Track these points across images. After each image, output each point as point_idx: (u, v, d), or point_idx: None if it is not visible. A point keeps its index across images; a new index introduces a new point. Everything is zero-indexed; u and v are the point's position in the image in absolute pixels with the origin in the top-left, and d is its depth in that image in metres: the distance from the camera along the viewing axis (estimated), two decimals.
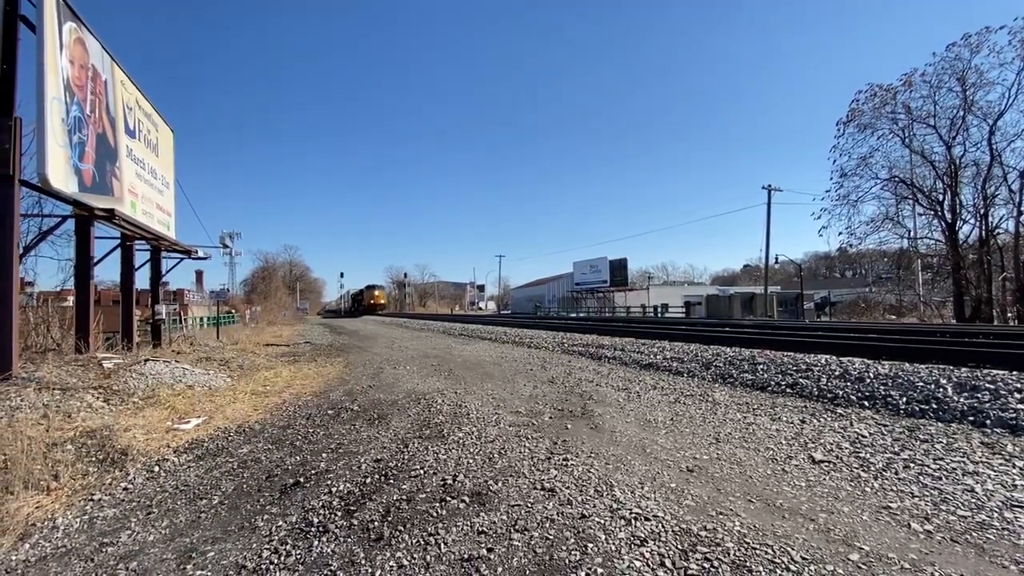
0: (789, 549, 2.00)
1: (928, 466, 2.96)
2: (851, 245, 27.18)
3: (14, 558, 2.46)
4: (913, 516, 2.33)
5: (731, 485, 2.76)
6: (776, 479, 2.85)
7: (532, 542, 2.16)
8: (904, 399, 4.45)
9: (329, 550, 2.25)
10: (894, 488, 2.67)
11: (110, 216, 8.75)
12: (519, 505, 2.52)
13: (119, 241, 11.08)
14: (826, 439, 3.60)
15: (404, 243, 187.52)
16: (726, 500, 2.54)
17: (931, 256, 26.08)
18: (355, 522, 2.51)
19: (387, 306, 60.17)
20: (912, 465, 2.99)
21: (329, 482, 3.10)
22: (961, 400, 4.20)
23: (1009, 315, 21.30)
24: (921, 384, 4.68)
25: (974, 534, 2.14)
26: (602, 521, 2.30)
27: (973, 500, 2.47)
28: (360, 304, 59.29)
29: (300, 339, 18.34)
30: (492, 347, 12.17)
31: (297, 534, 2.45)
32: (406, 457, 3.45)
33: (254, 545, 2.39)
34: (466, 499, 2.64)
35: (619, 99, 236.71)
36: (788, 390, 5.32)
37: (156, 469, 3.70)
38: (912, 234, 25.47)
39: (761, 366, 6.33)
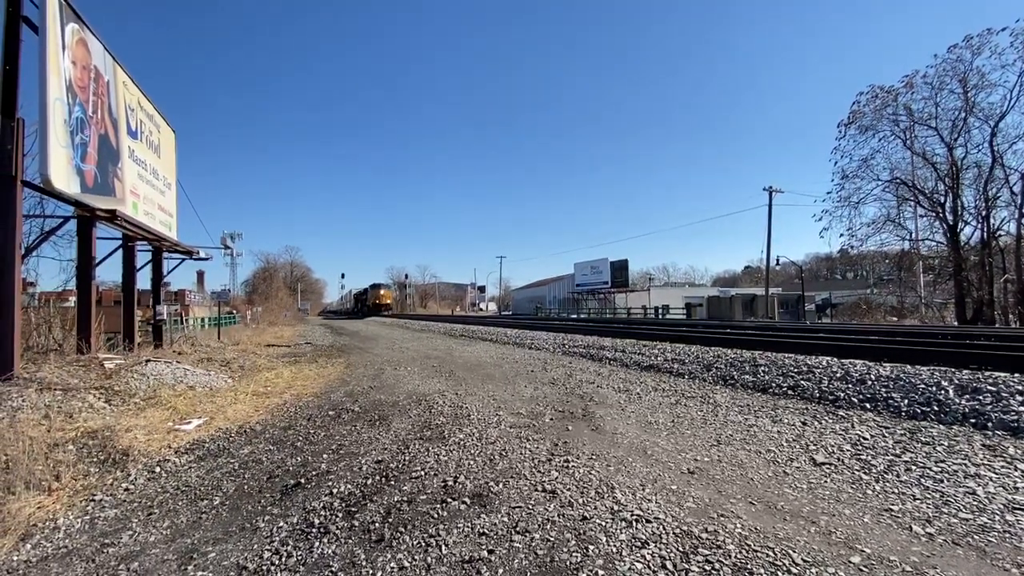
0: (790, 552, 2.00)
1: (930, 468, 2.95)
2: (852, 247, 27.18)
3: (15, 558, 2.46)
4: (915, 519, 2.32)
5: (732, 487, 2.76)
6: (777, 481, 2.85)
7: (533, 544, 2.16)
8: (905, 401, 4.44)
9: (330, 551, 2.25)
10: (896, 491, 2.67)
11: (112, 217, 8.77)
12: (520, 507, 2.52)
13: (121, 242, 11.10)
14: (827, 441, 3.59)
15: (405, 244, 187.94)
16: (727, 502, 2.54)
17: (933, 258, 26.04)
18: (356, 523, 2.51)
19: (393, 306, 57.25)
20: (914, 467, 2.98)
21: (330, 483, 3.11)
22: (963, 402, 4.19)
23: (1011, 317, 21.26)
24: (923, 386, 4.67)
25: (976, 537, 2.13)
26: (603, 523, 2.29)
27: (975, 503, 2.47)
28: (364, 304, 56.35)
29: (301, 340, 18.36)
30: (493, 348, 12.17)
31: (298, 535, 2.45)
32: (407, 458, 3.45)
33: (255, 546, 2.39)
34: (467, 501, 2.64)
35: (620, 100, 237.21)
36: (789, 392, 5.32)
37: (157, 470, 3.71)
38: (913, 236, 25.47)
39: (762, 368, 6.32)
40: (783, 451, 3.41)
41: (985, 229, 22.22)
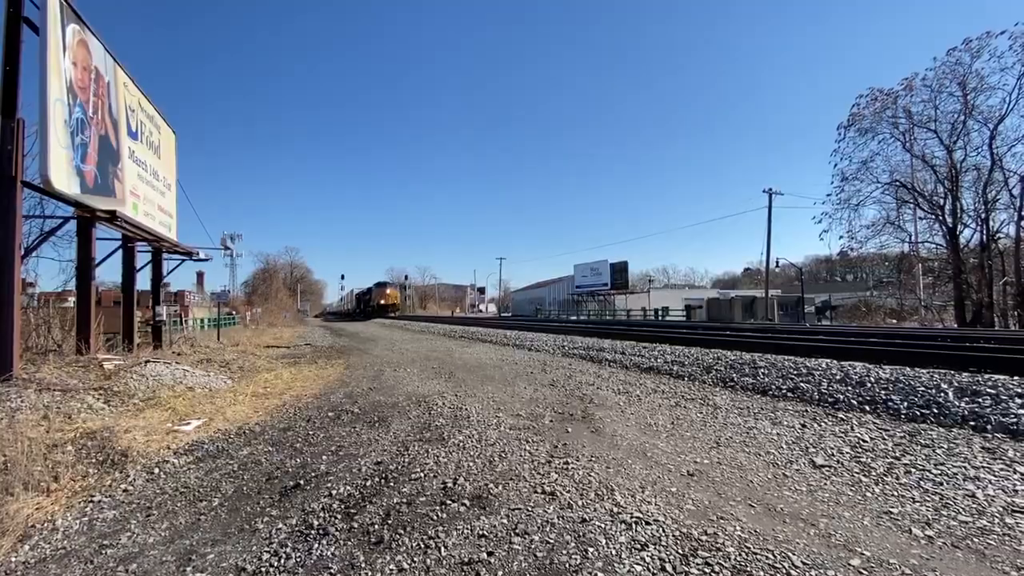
0: (790, 554, 2.00)
1: (929, 471, 2.95)
2: (852, 249, 27.28)
3: (13, 560, 2.46)
4: (914, 521, 2.32)
5: (732, 489, 2.76)
6: (777, 484, 2.85)
7: (532, 546, 2.15)
8: (905, 404, 4.45)
9: (329, 553, 2.25)
10: (895, 493, 2.67)
11: (112, 217, 8.77)
12: (519, 509, 2.52)
13: (120, 242, 11.10)
14: (827, 443, 3.59)
15: (405, 245, 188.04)
16: (727, 504, 2.54)
17: (932, 260, 26.09)
18: (355, 525, 2.51)
19: (399, 307, 51.57)
20: (913, 470, 2.98)
21: (329, 484, 3.10)
22: (962, 405, 4.19)
23: (1010, 320, 21.29)
24: (922, 389, 4.67)
25: (975, 540, 2.13)
26: (602, 525, 2.29)
27: (974, 505, 2.47)
28: (367, 305, 52.14)
29: (300, 341, 18.35)
30: (492, 350, 12.17)
31: (297, 537, 2.45)
32: (406, 460, 3.45)
33: (254, 547, 2.38)
34: (466, 502, 2.64)
35: (620, 101, 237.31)
36: (789, 394, 5.32)
37: (156, 471, 3.70)
38: (913, 238, 25.53)
39: (762, 370, 6.33)
40: (783, 453, 3.41)
41: (984, 232, 22.28)
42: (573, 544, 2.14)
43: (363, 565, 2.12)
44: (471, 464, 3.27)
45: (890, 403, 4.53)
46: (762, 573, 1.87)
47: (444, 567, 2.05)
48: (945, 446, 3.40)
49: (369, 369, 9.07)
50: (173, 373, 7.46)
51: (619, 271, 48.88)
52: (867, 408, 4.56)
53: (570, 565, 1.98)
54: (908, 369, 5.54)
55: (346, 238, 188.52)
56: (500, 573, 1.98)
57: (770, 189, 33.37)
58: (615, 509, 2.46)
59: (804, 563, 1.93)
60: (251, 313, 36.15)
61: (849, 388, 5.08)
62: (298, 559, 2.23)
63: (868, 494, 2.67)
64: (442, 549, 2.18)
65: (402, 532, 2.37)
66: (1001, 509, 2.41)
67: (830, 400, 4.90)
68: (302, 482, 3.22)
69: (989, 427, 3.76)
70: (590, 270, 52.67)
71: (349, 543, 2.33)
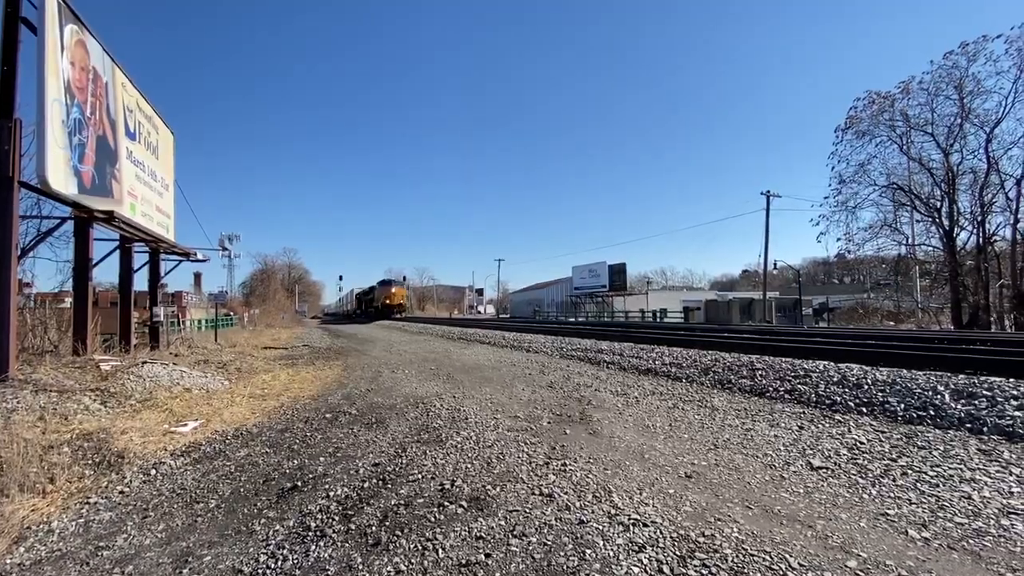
0: (787, 556, 2.00)
1: (925, 473, 2.96)
2: (849, 251, 27.39)
3: (9, 561, 2.44)
4: (911, 523, 2.33)
5: (729, 491, 2.76)
6: (774, 485, 2.85)
7: (530, 548, 2.15)
8: (902, 406, 4.46)
9: (326, 555, 2.24)
10: (892, 495, 2.67)
11: (109, 218, 8.76)
12: (517, 510, 2.52)
13: (118, 243, 11.08)
14: (824, 445, 3.60)
15: (403, 246, 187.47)
16: (724, 506, 2.54)
17: (929, 263, 26.23)
18: (353, 527, 2.50)
19: (406, 307, 46.15)
20: (910, 472, 2.99)
21: (327, 486, 3.10)
22: (958, 407, 4.21)
23: (1006, 322, 21.39)
24: (919, 391, 4.69)
25: (971, 541, 2.14)
26: (600, 527, 2.29)
27: (970, 507, 2.48)
28: (370, 305, 47.13)
29: (298, 342, 18.31)
30: (490, 351, 12.17)
31: (294, 539, 2.44)
32: (404, 462, 3.45)
33: (251, 549, 2.38)
34: (464, 504, 2.64)
35: (619, 103, 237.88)
36: (786, 396, 5.33)
37: (153, 472, 3.69)
38: (910, 241, 25.66)
39: (760, 372, 6.34)
40: (780, 455, 3.41)
41: (981, 234, 22.40)
42: (571, 546, 2.14)
43: (360, 567, 2.11)
44: (469, 466, 3.27)
45: (887, 405, 4.55)
46: (759, 575, 1.87)
47: (442, 569, 2.04)
48: (941, 448, 3.42)
49: (367, 370, 9.06)
50: (170, 374, 7.43)
51: (617, 273, 48.91)
52: (864, 410, 4.57)
53: (568, 567, 1.98)
54: (905, 371, 5.56)
55: (344, 239, 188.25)
56: (498, 575, 1.98)
57: (768, 191, 33.48)
58: (613, 511, 2.46)
59: (801, 565, 1.94)
60: (249, 314, 36.06)
61: (846, 390, 5.10)
62: (295, 561, 2.22)
63: (865, 496, 2.68)
64: (440, 551, 2.18)
65: (400, 534, 2.37)
66: (997, 511, 2.42)
67: (827, 402, 4.91)
68: (299, 484, 3.21)
69: (985, 429, 3.77)
70: (588, 271, 52.69)
71: (346, 545, 2.32)
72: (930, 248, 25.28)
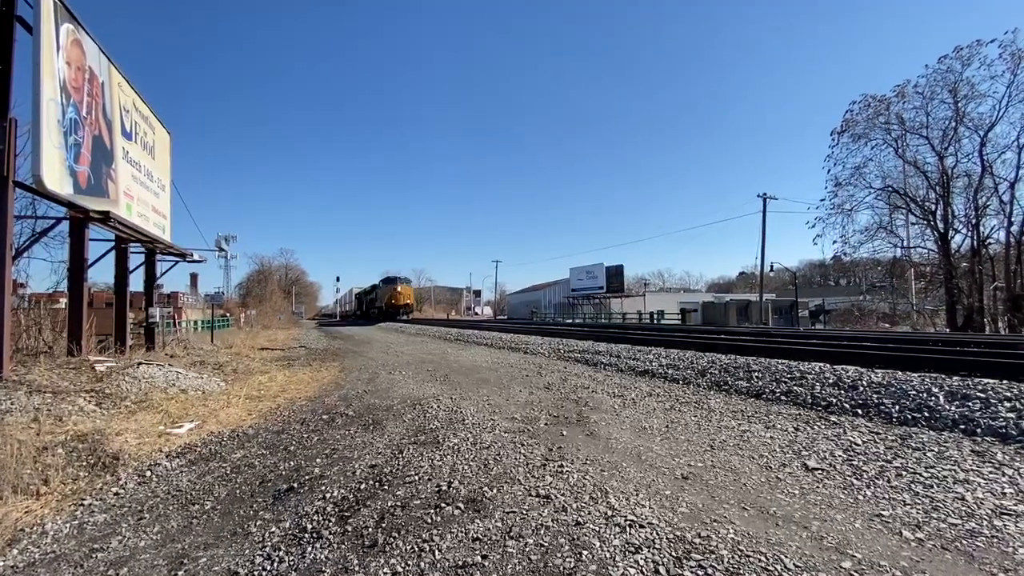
0: (782, 557, 2.01)
1: (920, 474, 2.98)
2: (845, 254, 27.53)
3: (2, 564, 2.43)
4: (905, 524, 2.34)
5: (725, 492, 2.77)
6: (770, 487, 2.87)
7: (527, 549, 2.16)
8: (897, 407, 4.49)
9: (323, 556, 2.24)
10: (886, 496, 2.69)
11: (105, 218, 8.72)
12: (514, 512, 2.52)
13: (113, 243, 11.03)
14: (820, 447, 3.62)
15: (401, 248, 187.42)
16: (720, 507, 2.55)
17: (924, 265, 26.40)
18: (349, 528, 2.50)
19: (413, 307, 41.56)
20: (904, 473, 3.01)
21: (323, 488, 3.09)
22: (952, 409, 4.24)
23: (1000, 324, 21.54)
24: (913, 392, 4.71)
25: (964, 542, 2.16)
26: (597, 528, 2.30)
27: (963, 508, 2.49)
28: (372, 306, 43.03)
29: (295, 343, 18.25)
30: (488, 352, 12.16)
31: (290, 540, 2.44)
32: (401, 463, 3.44)
33: (247, 551, 2.37)
34: (461, 506, 2.64)
35: (617, 106, 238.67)
36: (783, 398, 5.35)
37: (148, 474, 3.67)
38: (905, 243, 25.84)
39: (756, 373, 6.36)
40: (776, 456, 3.43)
41: (975, 237, 22.57)
42: (567, 547, 2.14)
43: (357, 568, 2.11)
44: (466, 467, 3.27)
45: (882, 407, 4.57)
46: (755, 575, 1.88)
47: (438, 570, 2.04)
48: (936, 449, 3.44)
49: (364, 372, 9.04)
50: (166, 375, 7.40)
51: (615, 274, 49.01)
52: (859, 412, 4.60)
53: (564, 568, 1.99)
54: (900, 373, 5.59)
55: (341, 240, 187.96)
56: None
57: (765, 194, 33.65)
58: (609, 512, 2.47)
59: (796, 566, 1.94)
60: (245, 315, 35.89)
61: (842, 392, 5.12)
62: (291, 562, 2.21)
63: (860, 497, 2.69)
64: (436, 552, 2.18)
65: (396, 535, 2.36)
66: (990, 512, 2.44)
67: (823, 404, 4.93)
68: (296, 485, 3.21)
69: (979, 431, 3.80)
70: (586, 273, 52.77)
71: (343, 546, 2.32)
72: (925, 251, 25.50)
